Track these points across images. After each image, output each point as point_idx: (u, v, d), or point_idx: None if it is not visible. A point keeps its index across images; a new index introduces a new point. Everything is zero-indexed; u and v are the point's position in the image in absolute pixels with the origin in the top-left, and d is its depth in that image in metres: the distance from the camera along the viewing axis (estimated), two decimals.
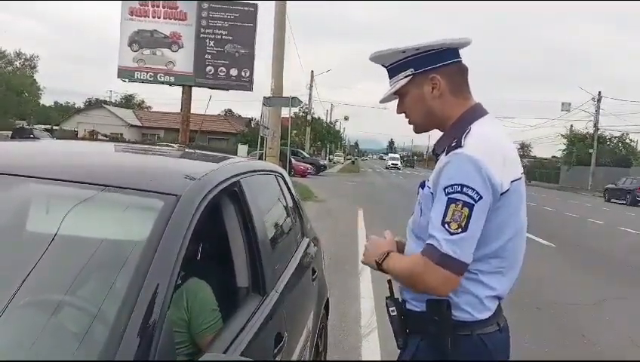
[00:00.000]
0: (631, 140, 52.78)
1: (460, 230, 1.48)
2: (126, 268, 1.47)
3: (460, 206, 1.48)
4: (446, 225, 1.48)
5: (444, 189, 1.51)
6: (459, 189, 1.49)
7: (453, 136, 1.60)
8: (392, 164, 77.69)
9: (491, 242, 1.57)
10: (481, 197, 1.48)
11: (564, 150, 54.43)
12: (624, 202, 29.40)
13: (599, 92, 46.53)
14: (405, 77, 1.69)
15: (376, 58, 1.76)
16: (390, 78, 1.75)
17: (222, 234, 2.12)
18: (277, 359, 1.99)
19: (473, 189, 1.48)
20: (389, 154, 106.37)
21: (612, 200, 30.81)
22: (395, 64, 1.71)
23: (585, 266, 9.16)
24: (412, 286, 1.61)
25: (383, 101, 1.83)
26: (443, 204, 1.50)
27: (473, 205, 1.48)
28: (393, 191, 24.42)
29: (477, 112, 1.68)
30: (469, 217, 1.48)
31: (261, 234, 2.19)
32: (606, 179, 41.38)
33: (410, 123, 1.78)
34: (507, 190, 1.54)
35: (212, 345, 1.72)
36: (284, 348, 2.07)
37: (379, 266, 1.71)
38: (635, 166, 45.37)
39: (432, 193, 1.59)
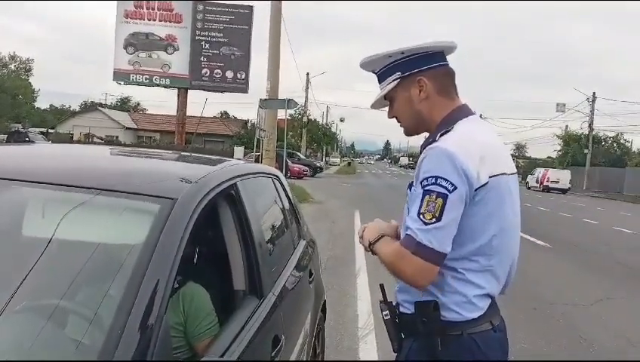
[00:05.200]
0: (625, 140, 53.05)
1: (434, 220, 1.49)
2: (123, 272, 1.47)
3: (434, 197, 1.50)
4: (421, 216, 1.51)
5: (421, 183, 1.54)
6: (433, 181, 1.52)
7: (436, 135, 1.63)
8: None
9: (475, 239, 1.58)
10: (455, 188, 1.51)
11: (559, 150, 54.60)
12: None
13: (594, 93, 46.81)
14: (393, 80, 1.72)
15: (366, 65, 1.79)
16: (380, 83, 1.78)
17: (219, 237, 2.12)
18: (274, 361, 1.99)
19: (447, 180, 1.51)
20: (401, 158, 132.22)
21: None
22: (383, 69, 1.74)
23: (581, 266, 9.18)
24: (393, 275, 1.63)
25: (373, 107, 1.87)
26: (419, 196, 1.53)
27: (447, 195, 1.50)
28: (389, 192, 24.44)
29: (462, 113, 1.70)
30: (442, 207, 1.50)
31: (258, 237, 2.19)
32: (601, 179, 41.58)
33: (401, 126, 1.81)
34: (485, 184, 1.55)
35: (209, 348, 1.72)
36: (282, 351, 2.06)
37: (370, 247, 1.73)
38: (629, 166, 45.56)
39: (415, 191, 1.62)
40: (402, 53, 1.69)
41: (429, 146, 1.59)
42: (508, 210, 1.65)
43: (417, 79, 1.69)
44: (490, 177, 1.57)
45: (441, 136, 1.60)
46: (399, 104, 1.75)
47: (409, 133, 1.81)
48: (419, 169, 1.59)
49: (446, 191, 1.50)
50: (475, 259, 1.59)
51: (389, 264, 1.60)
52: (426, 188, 1.52)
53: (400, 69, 1.71)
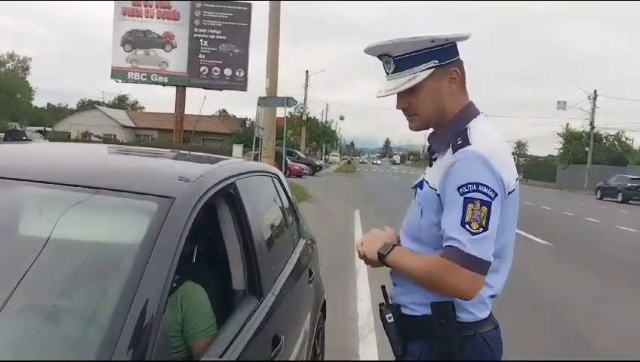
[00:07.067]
0: (627, 138, 53.08)
1: (481, 229, 1.45)
2: (120, 271, 1.46)
3: (479, 205, 1.45)
4: (467, 226, 1.44)
5: (459, 189, 1.47)
6: (474, 188, 1.46)
7: (454, 134, 1.57)
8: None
9: (495, 242, 1.54)
10: (496, 195, 1.47)
11: (560, 148, 54.62)
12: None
13: (595, 90, 46.74)
14: (427, 68, 1.59)
15: (396, 45, 1.60)
16: (398, 71, 1.62)
17: (217, 237, 2.10)
18: None
19: (488, 187, 1.46)
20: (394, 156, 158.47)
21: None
22: (414, 54, 1.59)
23: (583, 265, 9.17)
24: (430, 288, 1.55)
25: (382, 95, 1.68)
26: (459, 204, 1.46)
27: (491, 203, 1.46)
28: (389, 191, 24.43)
29: (473, 111, 1.66)
30: (488, 215, 1.45)
31: (257, 236, 2.17)
32: (602, 177, 41.65)
33: (412, 119, 1.68)
34: (513, 190, 1.54)
35: (208, 348, 1.71)
36: (282, 351, 2.05)
37: (381, 259, 1.64)
38: (630, 164, 45.57)
39: (438, 194, 1.55)
40: (447, 39, 1.58)
41: (462, 150, 1.51)
42: (517, 212, 1.64)
43: (452, 70, 1.61)
44: (515, 181, 1.56)
45: (469, 137, 1.52)
46: (425, 94, 1.61)
47: (421, 126, 1.68)
48: (448, 173, 1.51)
49: (489, 199, 1.46)
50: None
51: (427, 278, 1.53)
52: (467, 195, 1.46)
53: (437, 56, 1.59)
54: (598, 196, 32.26)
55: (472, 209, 1.45)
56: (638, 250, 11.61)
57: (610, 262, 9.71)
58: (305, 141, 51.57)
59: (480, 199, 1.45)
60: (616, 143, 52.81)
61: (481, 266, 1.45)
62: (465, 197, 1.46)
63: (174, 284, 1.77)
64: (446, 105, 1.63)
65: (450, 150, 1.55)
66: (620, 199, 29.62)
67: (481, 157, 1.48)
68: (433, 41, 1.58)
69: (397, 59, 1.61)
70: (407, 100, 1.65)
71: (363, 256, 1.73)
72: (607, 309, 6.26)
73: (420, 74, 1.60)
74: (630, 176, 31.10)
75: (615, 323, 5.72)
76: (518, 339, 4.57)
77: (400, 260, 1.62)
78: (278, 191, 3.00)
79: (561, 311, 5.95)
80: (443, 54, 1.59)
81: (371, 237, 1.74)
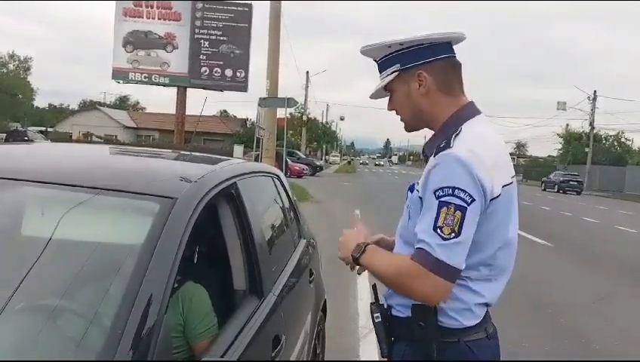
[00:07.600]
0: (626, 139, 53.09)
1: (453, 235, 1.40)
2: (122, 272, 1.47)
3: (453, 209, 1.41)
4: (438, 230, 1.40)
5: (435, 192, 1.43)
6: (450, 192, 1.41)
7: (444, 137, 1.53)
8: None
9: (483, 250, 1.51)
10: (473, 200, 1.42)
11: (560, 149, 54.59)
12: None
13: (594, 91, 46.68)
14: (392, 73, 1.62)
15: (366, 52, 1.68)
16: (380, 73, 1.68)
17: (219, 237, 2.11)
18: None
19: (465, 192, 1.41)
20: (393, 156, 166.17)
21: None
22: (384, 59, 1.64)
23: (582, 265, 9.17)
24: (397, 290, 1.54)
25: (372, 97, 1.76)
26: (434, 207, 1.42)
27: (466, 208, 1.41)
28: (389, 191, 24.40)
29: (469, 112, 1.61)
30: (461, 221, 1.40)
31: (258, 236, 2.18)
32: (602, 178, 41.86)
33: (400, 120, 1.72)
34: (498, 195, 1.48)
35: (210, 348, 1.71)
36: (282, 351, 2.05)
37: (356, 262, 1.63)
38: (630, 165, 45.51)
39: (420, 197, 1.52)
40: (401, 44, 1.58)
41: (443, 153, 1.47)
42: (512, 220, 1.59)
43: (417, 73, 1.59)
44: (503, 187, 1.50)
45: (454, 140, 1.49)
46: (398, 97, 1.65)
47: (408, 128, 1.70)
48: (428, 176, 1.49)
49: (464, 204, 1.40)
50: (478, 269, 1.53)
51: (393, 280, 1.51)
52: (442, 199, 1.41)
53: (399, 60, 1.60)
54: (543, 188, 39.89)
55: (446, 213, 1.41)
56: (637, 249, 11.61)
57: (610, 261, 9.71)
58: (305, 141, 51.55)
59: (455, 203, 1.41)
60: (615, 144, 52.81)
61: (449, 273, 1.41)
62: (440, 201, 1.42)
63: (176, 285, 1.78)
64: (423, 107, 1.62)
65: (434, 153, 1.53)
66: (556, 190, 37.66)
67: (460, 160, 1.43)
68: (389, 47, 1.61)
69: (378, 62, 1.68)
70: (390, 103, 1.70)
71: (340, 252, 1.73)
72: (607, 308, 6.26)
73: (385, 78, 1.65)
74: (562, 172, 40.65)
75: (615, 323, 5.72)
76: (518, 339, 4.58)
77: (371, 261, 1.60)
78: (278, 192, 3.01)
79: (561, 311, 5.95)
80: (405, 58, 1.60)
81: (344, 240, 1.72)
